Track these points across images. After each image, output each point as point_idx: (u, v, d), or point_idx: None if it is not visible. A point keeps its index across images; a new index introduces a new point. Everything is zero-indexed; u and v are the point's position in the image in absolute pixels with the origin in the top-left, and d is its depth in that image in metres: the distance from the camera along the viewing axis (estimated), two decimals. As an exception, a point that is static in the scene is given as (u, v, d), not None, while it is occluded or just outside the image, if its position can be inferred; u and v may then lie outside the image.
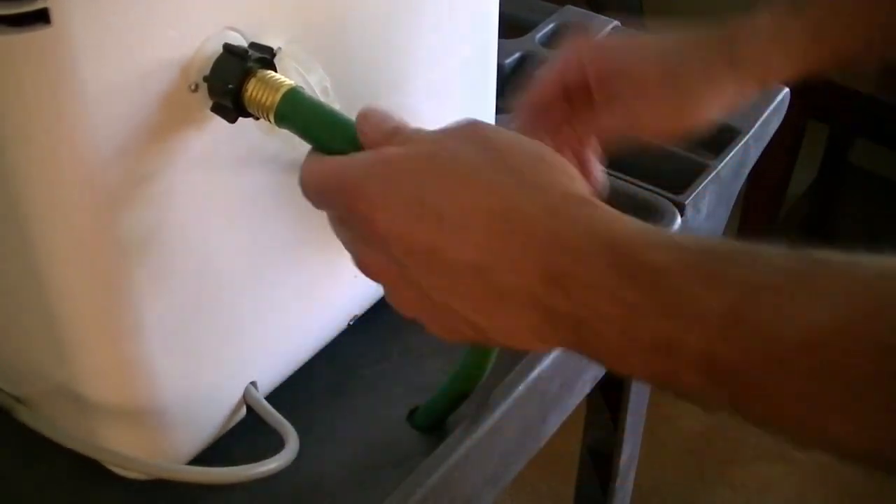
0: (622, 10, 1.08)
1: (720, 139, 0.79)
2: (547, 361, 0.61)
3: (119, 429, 0.55)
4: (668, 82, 0.57)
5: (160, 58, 0.45)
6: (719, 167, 0.76)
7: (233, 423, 0.60)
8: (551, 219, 0.40)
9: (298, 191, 0.48)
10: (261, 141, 0.51)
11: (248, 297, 0.56)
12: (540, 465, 0.96)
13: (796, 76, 0.59)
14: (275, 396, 0.61)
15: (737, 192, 0.83)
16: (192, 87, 0.47)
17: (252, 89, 0.46)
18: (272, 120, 0.47)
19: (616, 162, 0.76)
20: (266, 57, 0.47)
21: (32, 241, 0.48)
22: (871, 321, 0.33)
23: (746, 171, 0.83)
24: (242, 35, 0.48)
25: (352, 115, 0.47)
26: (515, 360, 0.60)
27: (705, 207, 0.76)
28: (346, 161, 0.44)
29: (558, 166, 0.43)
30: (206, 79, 0.47)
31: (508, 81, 0.78)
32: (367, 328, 0.66)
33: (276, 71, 0.48)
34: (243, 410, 0.60)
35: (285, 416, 0.57)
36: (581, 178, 0.43)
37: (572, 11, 0.94)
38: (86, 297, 0.50)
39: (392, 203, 0.42)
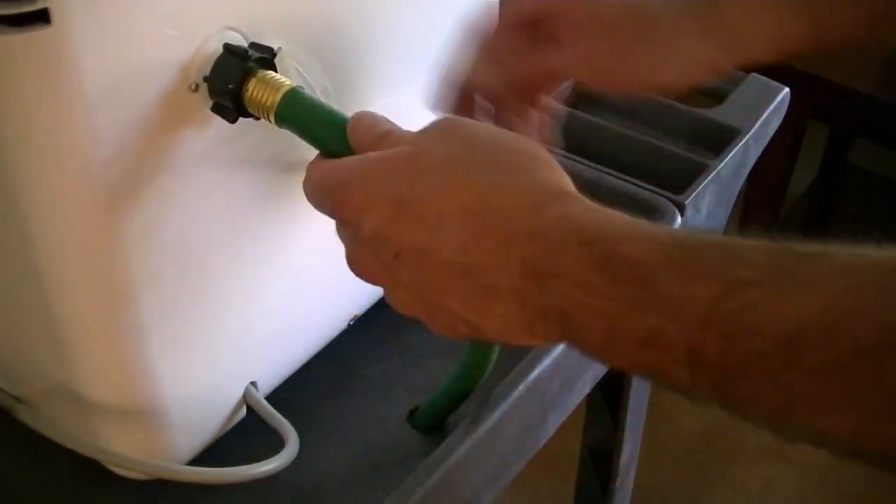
0: None
1: (720, 139, 0.79)
2: (547, 361, 0.61)
3: (119, 429, 0.55)
4: (641, 37, 0.54)
5: (160, 58, 0.45)
6: (719, 167, 0.76)
7: (233, 424, 0.60)
8: (530, 214, 0.40)
9: (298, 191, 0.48)
10: (261, 141, 0.51)
11: (248, 296, 0.56)
12: (540, 465, 0.96)
13: (773, 53, 0.56)
14: (275, 396, 0.61)
15: (737, 192, 0.83)
16: (193, 87, 0.47)
17: (252, 89, 0.47)
18: (272, 120, 0.47)
19: (616, 162, 0.76)
20: (266, 57, 0.47)
21: (32, 241, 0.48)
22: (849, 314, 0.33)
23: (746, 171, 0.83)
24: (242, 35, 0.48)
25: (351, 115, 0.47)
26: (515, 360, 0.60)
27: (705, 207, 0.76)
28: (336, 164, 0.45)
29: (539, 158, 0.43)
30: (206, 79, 0.47)
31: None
32: (367, 328, 0.66)
33: (276, 71, 0.48)
34: (243, 410, 0.60)
35: (285, 416, 0.57)
36: (561, 169, 0.43)
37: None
38: (86, 297, 0.50)
39: (376, 206, 0.43)
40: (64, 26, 0.40)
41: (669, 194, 0.73)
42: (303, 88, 0.47)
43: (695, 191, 0.74)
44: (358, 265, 0.45)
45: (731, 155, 0.77)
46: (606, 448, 0.90)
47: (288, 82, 0.47)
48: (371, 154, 0.44)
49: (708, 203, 0.77)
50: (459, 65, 0.56)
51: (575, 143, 0.72)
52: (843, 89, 1.57)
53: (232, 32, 0.47)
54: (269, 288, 0.57)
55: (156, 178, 0.48)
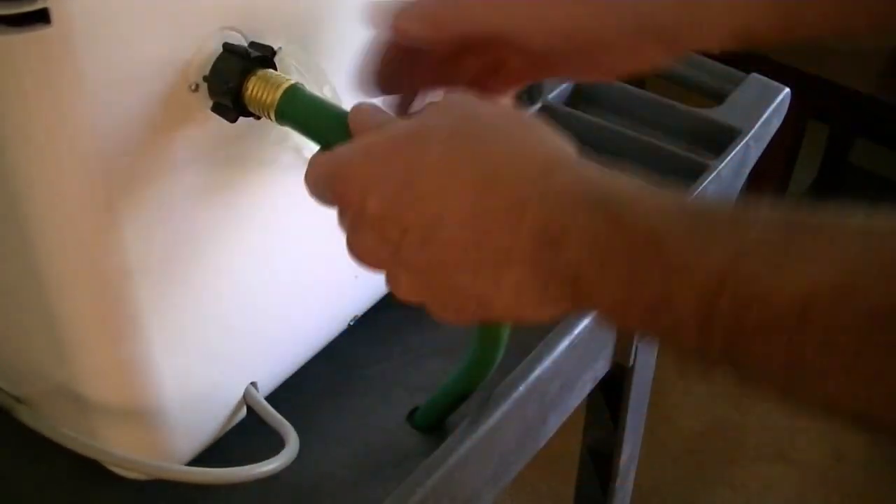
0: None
1: (720, 139, 0.79)
2: (547, 362, 0.61)
3: (119, 429, 0.55)
4: (577, 59, 0.51)
5: (160, 58, 0.45)
6: (719, 167, 0.76)
7: (233, 424, 0.60)
8: (541, 178, 0.40)
9: (298, 191, 0.48)
10: (261, 141, 0.51)
11: (248, 297, 0.56)
12: (540, 465, 0.96)
13: (732, 39, 0.52)
14: (275, 396, 0.61)
15: (737, 192, 0.83)
16: (193, 86, 0.47)
17: (252, 88, 0.47)
18: (273, 117, 0.47)
19: (616, 162, 0.76)
20: (266, 56, 0.47)
21: (32, 241, 0.48)
22: (861, 279, 0.33)
23: (746, 171, 0.83)
24: (242, 35, 0.48)
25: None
26: (515, 360, 0.60)
27: (705, 207, 0.76)
28: (336, 150, 0.44)
29: (542, 128, 0.43)
30: (206, 78, 0.47)
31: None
32: (367, 328, 0.66)
33: (276, 70, 0.48)
34: (243, 411, 0.60)
35: (285, 417, 0.57)
36: (565, 138, 0.43)
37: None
38: (86, 297, 0.50)
39: (380, 184, 0.42)
40: (64, 26, 0.40)
41: (670, 194, 0.73)
42: (303, 85, 0.47)
43: (695, 191, 0.74)
44: (361, 250, 0.45)
45: (731, 155, 0.77)
46: (606, 448, 0.90)
47: (288, 79, 0.47)
48: (368, 136, 0.44)
49: (708, 203, 0.76)
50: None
51: (575, 143, 0.73)
52: (843, 89, 1.58)
53: (232, 32, 0.47)
54: (269, 288, 0.57)
55: (156, 178, 0.48)
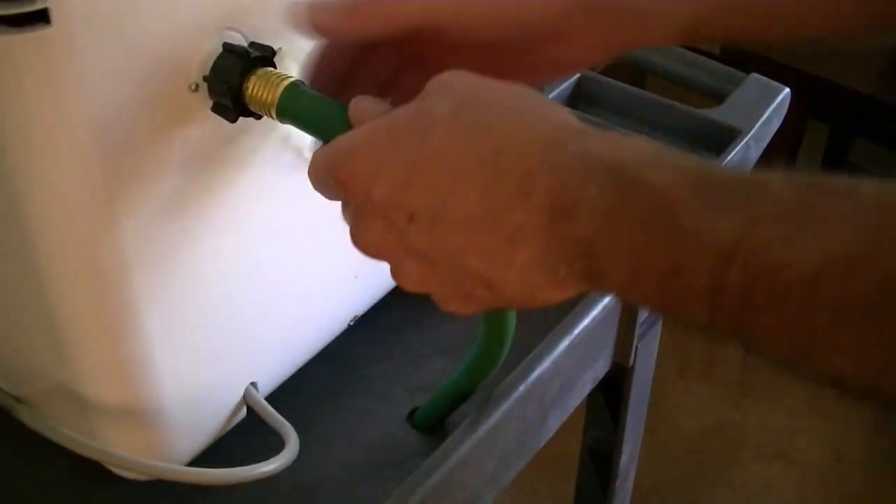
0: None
1: (720, 139, 0.79)
2: (547, 362, 0.61)
3: (119, 429, 0.55)
4: (516, 52, 0.49)
5: (160, 58, 0.45)
6: (719, 167, 0.76)
7: (233, 424, 0.60)
8: (552, 150, 0.39)
9: (298, 191, 0.48)
10: (261, 141, 0.51)
11: (249, 297, 0.56)
12: (540, 465, 0.96)
13: (679, 34, 0.50)
14: (275, 397, 0.61)
15: (737, 193, 0.83)
16: (193, 86, 0.47)
17: (253, 87, 0.46)
18: (274, 115, 0.47)
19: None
20: (266, 56, 0.47)
21: (32, 241, 0.48)
22: (876, 251, 0.33)
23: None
24: (242, 35, 0.48)
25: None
26: (515, 360, 0.60)
27: (705, 207, 0.76)
28: (338, 141, 0.44)
29: (547, 101, 0.42)
30: (206, 78, 0.47)
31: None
32: (367, 328, 0.66)
33: (276, 69, 0.48)
34: (243, 411, 0.60)
35: (285, 417, 0.57)
36: (569, 111, 0.42)
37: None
38: (86, 297, 0.50)
39: (384, 172, 0.41)
40: (64, 26, 0.40)
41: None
42: (303, 83, 0.47)
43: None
44: (366, 240, 0.44)
45: (731, 155, 0.77)
46: (606, 448, 0.90)
47: (288, 77, 0.47)
48: (368, 124, 0.43)
49: (708, 203, 0.76)
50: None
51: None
52: (843, 89, 1.58)
53: (231, 32, 0.47)
54: (269, 288, 0.57)
55: (156, 178, 0.48)
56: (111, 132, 0.45)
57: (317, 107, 0.46)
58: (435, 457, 0.56)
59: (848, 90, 1.57)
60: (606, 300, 0.65)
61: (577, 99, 0.84)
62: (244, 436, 0.59)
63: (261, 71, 0.47)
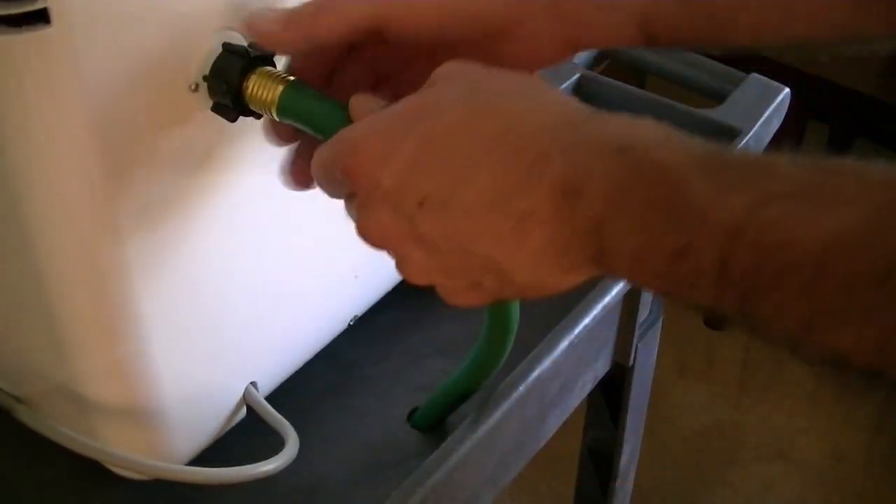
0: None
1: (720, 139, 0.79)
2: (547, 362, 0.61)
3: (119, 429, 0.55)
4: (475, 48, 0.48)
5: (160, 57, 0.45)
6: (719, 167, 0.76)
7: (233, 424, 0.60)
8: (561, 132, 0.39)
9: (299, 190, 0.48)
10: (261, 141, 0.51)
11: (248, 296, 0.56)
12: (540, 465, 0.96)
13: (632, 37, 0.50)
14: (275, 396, 0.61)
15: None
16: (192, 86, 0.47)
17: (253, 86, 0.46)
18: (274, 114, 0.47)
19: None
20: (266, 55, 0.47)
21: (32, 241, 0.48)
22: (883, 228, 0.33)
23: (746, 171, 0.82)
24: (242, 34, 0.48)
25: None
26: (516, 359, 0.60)
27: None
28: (344, 131, 0.43)
29: (555, 88, 0.42)
30: (205, 78, 0.47)
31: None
32: (367, 328, 0.66)
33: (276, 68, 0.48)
34: (243, 410, 0.60)
35: (285, 417, 0.57)
36: (575, 98, 0.42)
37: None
38: (86, 297, 0.50)
39: (394, 159, 0.41)
40: (64, 26, 0.40)
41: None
42: (303, 81, 0.47)
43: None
44: (373, 229, 0.43)
45: (731, 155, 0.77)
46: (606, 448, 0.90)
47: (288, 76, 0.47)
48: (381, 112, 0.43)
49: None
50: None
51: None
52: (843, 89, 1.58)
53: (231, 32, 0.47)
54: (269, 288, 0.57)
55: (156, 178, 0.48)
56: (111, 132, 0.45)
57: (317, 105, 0.46)
58: (435, 457, 0.56)
59: (848, 90, 1.57)
60: (607, 299, 0.65)
61: (577, 98, 0.84)
62: (244, 435, 0.59)
63: (261, 70, 0.47)
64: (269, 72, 0.47)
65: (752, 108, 0.81)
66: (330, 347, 0.65)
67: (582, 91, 0.84)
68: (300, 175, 0.49)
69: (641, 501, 1.22)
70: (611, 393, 0.85)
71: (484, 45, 0.47)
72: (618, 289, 0.66)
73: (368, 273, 0.64)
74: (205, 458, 0.58)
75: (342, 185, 0.44)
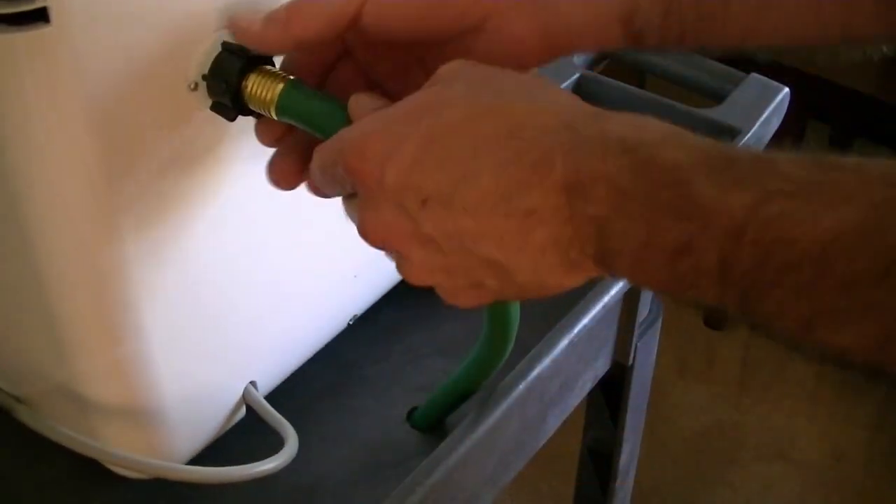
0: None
1: (720, 139, 0.79)
2: (547, 361, 0.61)
3: (119, 429, 0.55)
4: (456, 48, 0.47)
5: (159, 57, 0.45)
6: (719, 167, 0.76)
7: (232, 423, 0.60)
8: (566, 131, 0.39)
9: (298, 190, 0.48)
10: (260, 140, 0.51)
11: (248, 296, 0.56)
12: (540, 465, 0.96)
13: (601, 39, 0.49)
14: (274, 396, 0.61)
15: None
16: (192, 86, 0.47)
17: (252, 85, 0.46)
18: (274, 114, 0.47)
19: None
20: (265, 55, 0.47)
21: (32, 241, 0.48)
22: (884, 225, 0.33)
23: (746, 170, 0.82)
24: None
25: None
26: (515, 358, 0.60)
27: (705, 207, 0.76)
28: (345, 130, 0.43)
29: (559, 87, 0.42)
30: (205, 77, 0.47)
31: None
32: (367, 328, 0.66)
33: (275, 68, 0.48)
34: (243, 410, 0.60)
35: (285, 416, 0.57)
36: (579, 98, 0.42)
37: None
38: (86, 297, 0.50)
39: (398, 155, 0.40)
40: (63, 25, 0.40)
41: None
42: (303, 80, 0.47)
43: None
44: (376, 228, 0.43)
45: (730, 154, 0.77)
46: (606, 448, 0.90)
47: (287, 75, 0.47)
48: (384, 110, 0.42)
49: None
50: None
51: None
52: (843, 89, 1.58)
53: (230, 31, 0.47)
54: (269, 287, 0.57)
55: (155, 177, 0.48)
56: (110, 131, 0.45)
57: (317, 104, 0.46)
58: (434, 456, 0.56)
59: (848, 90, 1.57)
60: (607, 298, 0.65)
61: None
62: (243, 435, 0.59)
63: (260, 69, 0.47)
64: (268, 71, 0.47)
65: (752, 108, 0.81)
66: (329, 347, 0.65)
67: (582, 91, 0.84)
68: (284, 174, 0.49)
69: (641, 501, 1.22)
70: (610, 392, 0.85)
71: (462, 43, 0.47)
72: (617, 288, 0.66)
73: (368, 272, 0.64)
74: (204, 457, 0.58)
75: (343, 184, 0.44)
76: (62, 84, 0.42)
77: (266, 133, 0.49)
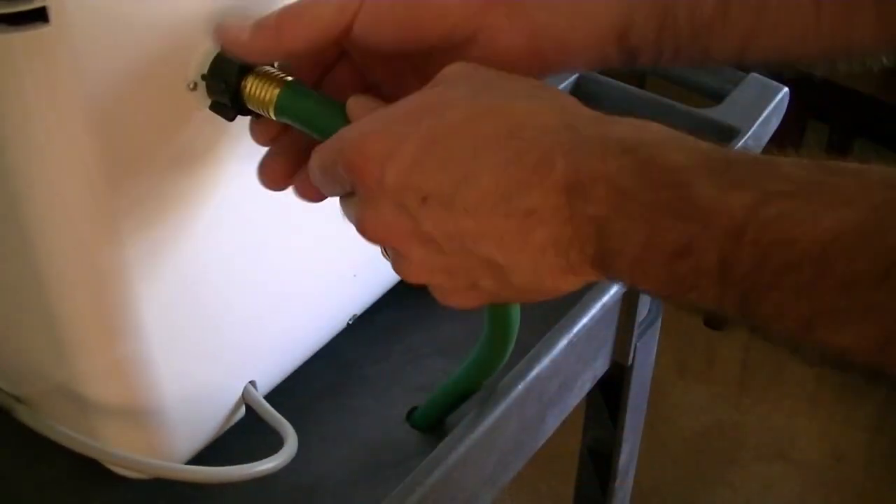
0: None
1: (720, 139, 0.79)
2: (546, 360, 0.61)
3: (119, 429, 0.55)
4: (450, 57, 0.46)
5: (159, 56, 0.45)
6: (719, 167, 0.76)
7: (232, 423, 0.60)
8: (567, 132, 0.39)
9: (297, 190, 0.48)
10: (260, 140, 0.51)
11: (247, 296, 0.56)
12: (540, 465, 0.96)
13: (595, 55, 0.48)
14: (274, 396, 0.61)
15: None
16: (191, 85, 0.47)
17: (251, 86, 0.46)
18: (273, 114, 0.47)
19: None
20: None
21: (32, 241, 0.48)
22: (884, 227, 0.33)
23: (746, 170, 0.82)
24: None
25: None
26: (515, 359, 0.60)
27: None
28: (345, 129, 0.43)
29: (559, 91, 0.42)
30: (204, 77, 0.47)
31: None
32: (367, 328, 0.66)
33: (274, 67, 0.48)
34: (242, 410, 0.60)
35: (284, 416, 0.57)
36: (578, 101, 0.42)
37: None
38: (85, 297, 0.50)
39: (399, 154, 0.40)
40: (63, 25, 0.40)
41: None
42: (302, 81, 0.47)
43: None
44: (374, 226, 0.43)
45: (730, 154, 0.77)
46: (606, 448, 0.90)
47: (286, 76, 0.47)
48: (384, 109, 0.42)
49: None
50: None
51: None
52: (843, 89, 1.58)
53: (231, 32, 0.47)
54: (268, 287, 0.57)
55: (155, 177, 0.48)
56: (110, 131, 0.45)
57: (315, 105, 0.46)
58: (434, 456, 0.56)
59: (848, 90, 1.57)
60: (606, 298, 0.65)
61: (577, 99, 0.84)
62: (243, 435, 0.59)
63: (259, 70, 0.47)
64: (267, 71, 0.47)
65: (752, 108, 0.81)
66: (329, 347, 0.65)
67: (581, 91, 0.84)
68: (274, 175, 0.49)
69: (641, 501, 1.23)
70: (610, 392, 0.85)
71: (455, 53, 0.46)
72: (616, 288, 0.66)
73: (367, 272, 0.64)
74: (204, 457, 0.58)
75: (343, 184, 0.44)
76: (61, 84, 0.42)
77: (261, 133, 0.49)
